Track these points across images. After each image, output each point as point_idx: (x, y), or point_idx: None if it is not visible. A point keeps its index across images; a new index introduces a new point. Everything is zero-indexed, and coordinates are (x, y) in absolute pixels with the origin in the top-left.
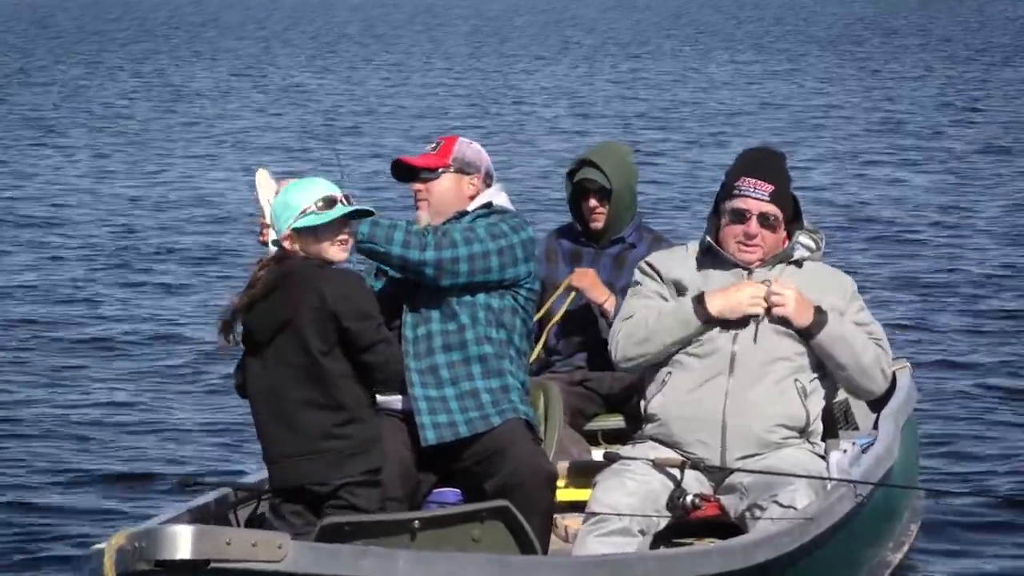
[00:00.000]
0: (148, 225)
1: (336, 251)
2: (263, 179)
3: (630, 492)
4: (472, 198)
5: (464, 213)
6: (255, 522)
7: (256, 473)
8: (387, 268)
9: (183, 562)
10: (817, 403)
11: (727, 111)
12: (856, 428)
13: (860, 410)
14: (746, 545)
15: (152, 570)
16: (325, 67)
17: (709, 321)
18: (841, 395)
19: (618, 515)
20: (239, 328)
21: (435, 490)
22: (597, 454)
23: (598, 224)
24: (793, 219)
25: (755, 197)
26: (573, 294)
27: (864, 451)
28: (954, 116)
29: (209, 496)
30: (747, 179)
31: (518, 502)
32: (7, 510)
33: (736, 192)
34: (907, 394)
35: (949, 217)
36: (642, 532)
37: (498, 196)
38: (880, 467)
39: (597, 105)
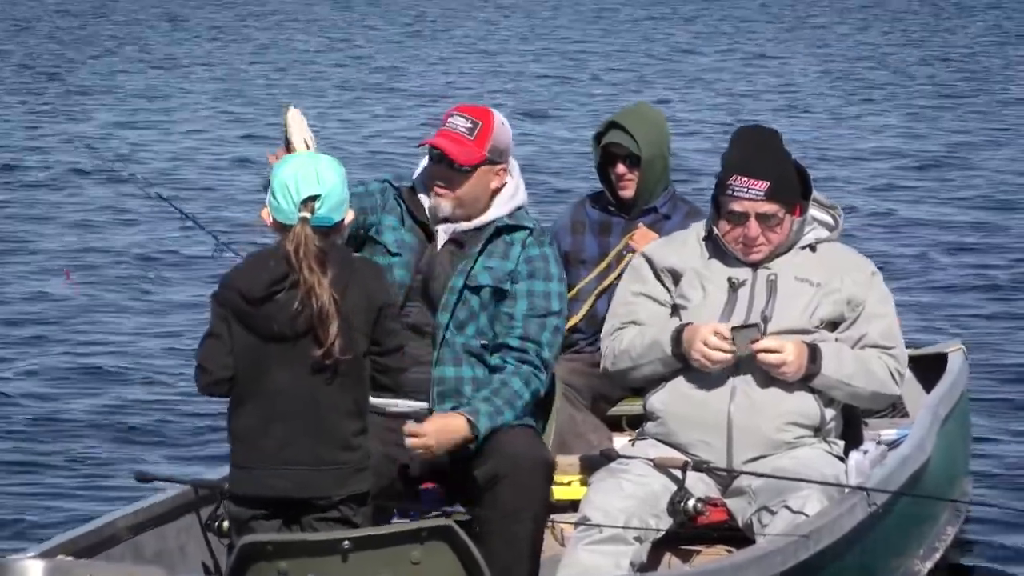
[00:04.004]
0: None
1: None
2: (295, 118)
3: (627, 495)
4: (496, 189)
5: (489, 223)
6: (215, 523)
7: (217, 471)
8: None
9: None
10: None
11: None
12: (905, 415)
13: (913, 391)
14: (736, 565)
15: None
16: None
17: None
18: None
19: (602, 526)
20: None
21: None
22: (621, 442)
23: (627, 192)
24: (803, 196)
25: (750, 198)
26: (629, 256)
27: (895, 447)
28: None
29: (166, 494)
30: (739, 177)
31: (509, 493)
32: None
33: (730, 192)
34: (954, 380)
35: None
36: (639, 540)
37: (520, 190)
38: (906, 468)
39: None
